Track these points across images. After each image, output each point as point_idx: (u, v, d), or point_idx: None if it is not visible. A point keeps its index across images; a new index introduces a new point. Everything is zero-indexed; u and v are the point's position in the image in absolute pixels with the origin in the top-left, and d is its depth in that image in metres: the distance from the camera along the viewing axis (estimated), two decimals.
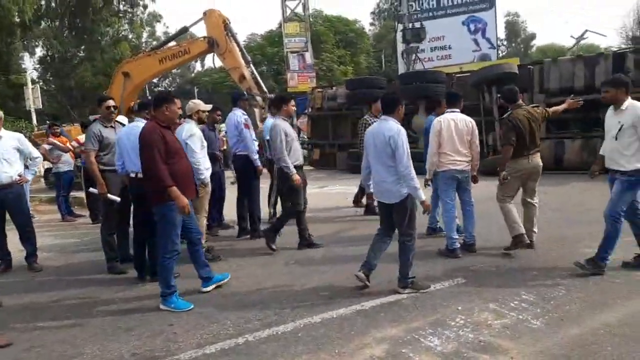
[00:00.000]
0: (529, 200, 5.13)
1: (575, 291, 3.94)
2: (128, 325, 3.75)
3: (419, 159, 4.92)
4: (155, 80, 28.87)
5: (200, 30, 13.63)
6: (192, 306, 4.01)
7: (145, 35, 33.84)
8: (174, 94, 4.41)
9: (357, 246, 5.36)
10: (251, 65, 12.97)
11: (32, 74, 28.21)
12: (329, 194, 10.03)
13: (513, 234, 4.94)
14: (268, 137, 6.78)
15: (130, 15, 30.68)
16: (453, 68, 19.60)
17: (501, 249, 5.06)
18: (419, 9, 29.26)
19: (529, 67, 12.54)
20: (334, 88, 17.08)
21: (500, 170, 4.96)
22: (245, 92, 12.43)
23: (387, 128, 4.05)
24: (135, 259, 4.83)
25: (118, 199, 5.01)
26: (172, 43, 14.55)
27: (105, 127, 5.18)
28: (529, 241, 4.97)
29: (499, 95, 9.47)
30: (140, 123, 4.70)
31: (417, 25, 21.68)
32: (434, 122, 5.24)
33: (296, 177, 5.37)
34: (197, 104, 5.42)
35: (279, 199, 6.48)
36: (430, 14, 30.32)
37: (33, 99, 19.89)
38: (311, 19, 22.93)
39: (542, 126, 5.45)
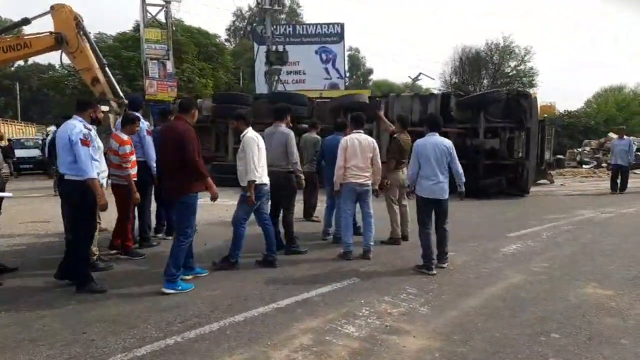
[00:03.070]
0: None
1: (444, 284, 4.86)
2: (31, 336, 3.43)
3: None
4: None
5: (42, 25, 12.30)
6: (193, 286, 4.51)
7: None
8: None
9: (254, 255, 5.64)
10: (106, 68, 12.20)
11: None
12: (204, 205, 9.91)
13: (394, 235, 6.33)
14: None
15: None
16: (309, 93, 21.10)
17: (381, 255, 5.89)
18: (277, 33, 30.68)
19: (377, 99, 14.43)
20: (199, 100, 16.94)
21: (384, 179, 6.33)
22: (100, 97, 11.69)
23: (442, 140, 5.28)
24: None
25: (11, 194, 4.49)
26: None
27: None
28: (401, 238, 6.55)
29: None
30: None
31: (280, 48, 22.79)
32: (341, 140, 5.88)
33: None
34: None
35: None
36: (287, 39, 32.04)
37: None
38: (173, 28, 22.21)
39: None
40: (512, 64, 42.09)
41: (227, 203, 10.38)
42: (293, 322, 3.78)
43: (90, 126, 4.49)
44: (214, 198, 4.74)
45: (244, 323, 3.76)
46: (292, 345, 3.38)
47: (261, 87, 26.97)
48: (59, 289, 4.50)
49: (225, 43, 46.60)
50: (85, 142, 4.28)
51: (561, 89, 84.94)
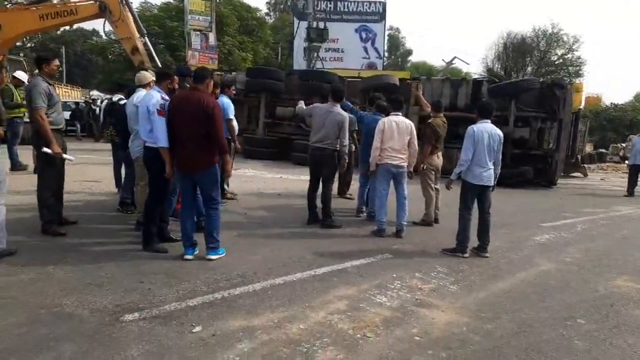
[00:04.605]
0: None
1: (474, 266, 5.01)
2: (96, 282, 3.81)
3: None
4: None
5: None
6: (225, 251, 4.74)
7: None
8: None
9: (289, 226, 5.92)
10: (145, 37, 12.61)
11: None
12: (244, 176, 10.30)
13: (428, 218, 6.51)
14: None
15: None
16: (347, 72, 21.02)
17: (412, 235, 6.08)
18: (318, 9, 30.45)
19: (408, 81, 14.31)
20: (233, 73, 17.19)
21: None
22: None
23: (496, 129, 5.32)
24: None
25: (73, 158, 4.87)
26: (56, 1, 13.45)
27: (50, 84, 4.95)
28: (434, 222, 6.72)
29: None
30: None
31: (321, 25, 22.71)
32: (379, 121, 6.01)
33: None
34: (148, 75, 5.48)
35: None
36: (328, 16, 31.71)
37: None
38: (217, 0, 22.49)
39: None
40: (559, 52, 40.53)
41: (265, 175, 10.82)
42: (329, 289, 4.03)
43: (167, 97, 4.61)
44: (228, 175, 4.95)
45: (284, 286, 4.04)
46: (328, 309, 3.64)
47: (299, 63, 27.01)
48: (115, 243, 4.91)
49: (265, 17, 46.61)
50: (161, 112, 4.43)
51: (610, 80, 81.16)
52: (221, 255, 4.63)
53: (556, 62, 40.72)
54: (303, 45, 24.59)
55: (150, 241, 4.67)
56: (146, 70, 10.56)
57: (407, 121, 6.03)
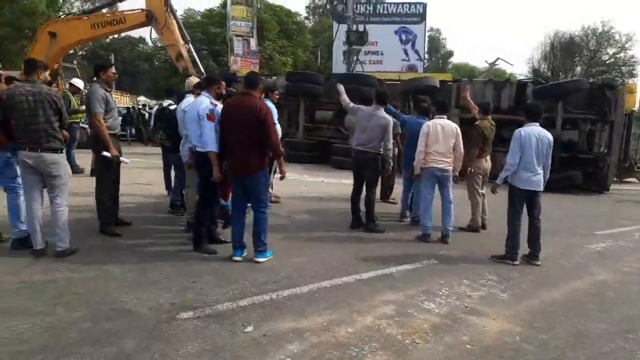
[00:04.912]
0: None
1: (525, 274, 4.87)
2: (151, 280, 3.97)
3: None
4: None
5: (134, 2, 13.35)
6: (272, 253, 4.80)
7: None
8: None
9: (332, 229, 5.94)
10: (189, 44, 12.98)
11: None
12: (287, 181, 10.38)
13: (474, 224, 6.33)
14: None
15: None
16: (386, 74, 20.83)
17: (459, 241, 5.98)
18: (357, 12, 30.37)
19: (449, 83, 14.06)
20: (273, 78, 17.41)
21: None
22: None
23: (545, 132, 5.14)
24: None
25: (128, 161, 5.10)
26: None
27: (107, 91, 5.19)
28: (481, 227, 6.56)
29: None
30: None
31: (361, 28, 22.67)
32: (424, 125, 5.96)
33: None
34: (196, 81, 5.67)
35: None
36: (367, 19, 31.57)
37: None
38: (258, 5, 22.93)
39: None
40: (611, 51, 38.68)
41: (306, 179, 10.89)
42: (375, 294, 4.02)
43: (215, 102, 4.71)
44: (283, 176, 4.99)
45: (330, 289, 4.07)
46: (375, 313, 3.63)
47: (338, 67, 27.04)
48: (167, 244, 5.10)
49: (305, 21, 47.03)
50: (210, 117, 4.52)
51: None
52: (268, 258, 4.70)
53: (607, 62, 38.89)
54: (342, 49, 24.57)
55: (200, 242, 4.81)
56: (191, 75, 10.92)
57: (453, 124, 5.92)
